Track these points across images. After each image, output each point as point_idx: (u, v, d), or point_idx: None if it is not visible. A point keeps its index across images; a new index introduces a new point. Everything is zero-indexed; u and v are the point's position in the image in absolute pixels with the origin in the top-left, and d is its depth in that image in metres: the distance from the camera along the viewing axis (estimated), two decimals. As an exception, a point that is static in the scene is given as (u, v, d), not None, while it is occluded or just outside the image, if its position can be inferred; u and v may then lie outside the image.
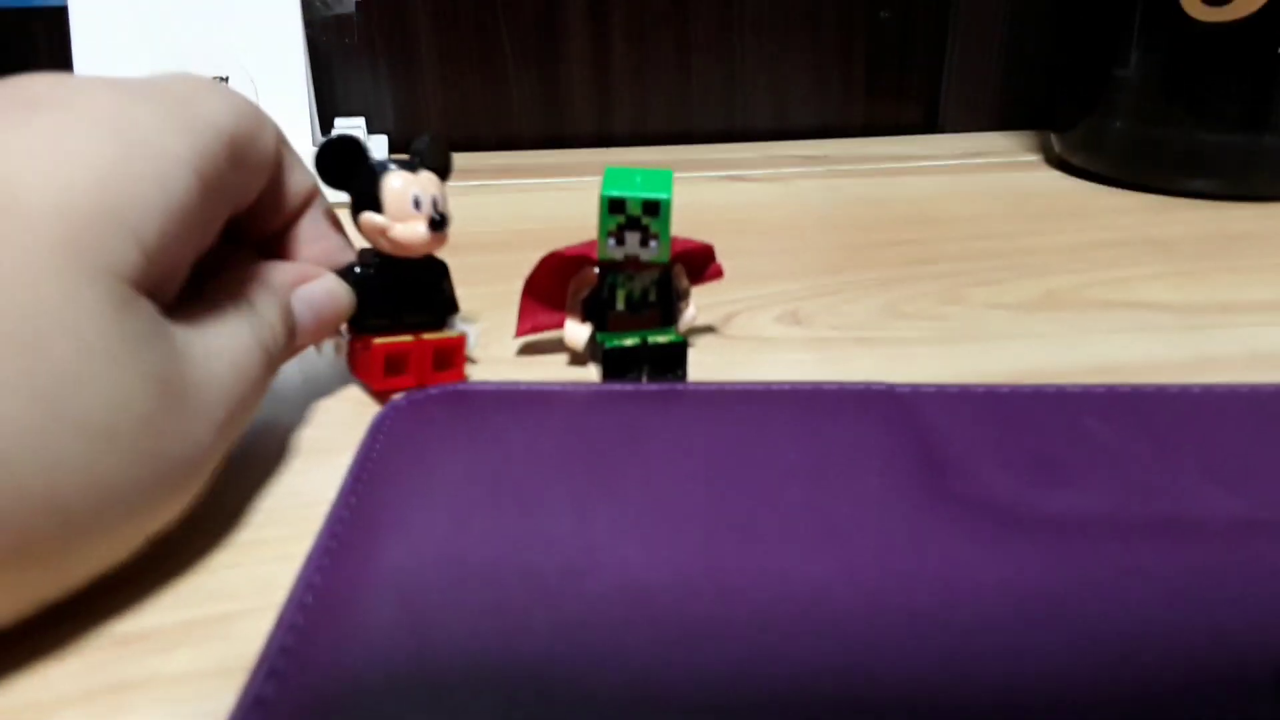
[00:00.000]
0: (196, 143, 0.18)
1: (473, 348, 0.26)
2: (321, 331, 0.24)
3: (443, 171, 0.25)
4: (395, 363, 0.25)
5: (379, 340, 0.24)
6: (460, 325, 0.26)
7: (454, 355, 0.25)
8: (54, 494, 0.14)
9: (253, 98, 0.45)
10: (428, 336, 0.25)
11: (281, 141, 0.23)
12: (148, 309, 0.17)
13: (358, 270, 0.25)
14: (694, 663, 0.15)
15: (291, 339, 0.22)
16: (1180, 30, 0.43)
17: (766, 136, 0.60)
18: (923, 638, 0.15)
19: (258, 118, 0.22)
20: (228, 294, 0.21)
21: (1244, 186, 0.44)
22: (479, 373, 0.27)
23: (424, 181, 0.24)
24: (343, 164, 0.24)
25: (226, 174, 0.19)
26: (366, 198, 0.24)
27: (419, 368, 0.25)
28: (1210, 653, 0.15)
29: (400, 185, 0.24)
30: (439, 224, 0.24)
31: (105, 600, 0.17)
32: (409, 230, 0.24)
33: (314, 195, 0.24)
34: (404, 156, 0.25)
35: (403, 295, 0.25)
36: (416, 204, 0.24)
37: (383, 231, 0.24)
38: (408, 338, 0.25)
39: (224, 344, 0.19)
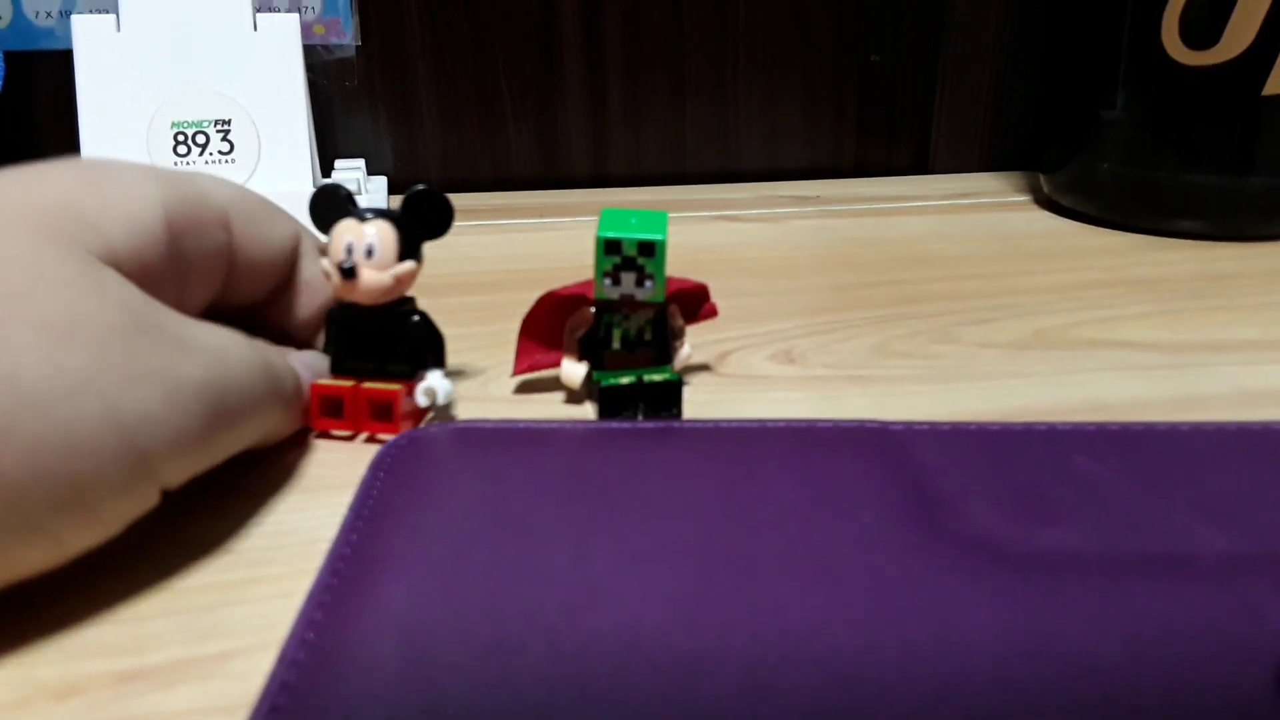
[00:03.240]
0: (169, 188, 0.21)
1: (442, 402, 0.25)
2: None
3: (433, 228, 0.25)
4: (330, 405, 0.25)
5: (318, 381, 0.25)
6: (433, 381, 0.25)
7: (388, 409, 0.25)
8: (14, 374, 0.16)
9: (254, 139, 0.46)
10: (368, 385, 0.25)
11: (305, 244, 0.26)
12: (112, 271, 0.19)
13: (331, 311, 0.25)
14: (690, 699, 0.15)
15: (298, 381, 0.24)
16: (1165, 73, 0.43)
17: (759, 177, 0.60)
18: (915, 674, 0.15)
19: (266, 213, 0.25)
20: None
21: (1230, 227, 0.45)
22: (478, 411, 0.27)
23: (363, 230, 0.24)
24: (329, 211, 0.25)
25: (211, 229, 0.23)
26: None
27: (354, 415, 0.25)
28: (1200, 688, 0.15)
29: (339, 232, 0.24)
30: (345, 272, 0.24)
31: (106, 636, 0.18)
32: (335, 276, 0.24)
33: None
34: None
35: (374, 342, 0.25)
36: (349, 251, 0.24)
37: (328, 275, 0.25)
38: (347, 383, 0.25)
39: (219, 332, 0.21)
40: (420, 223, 0.25)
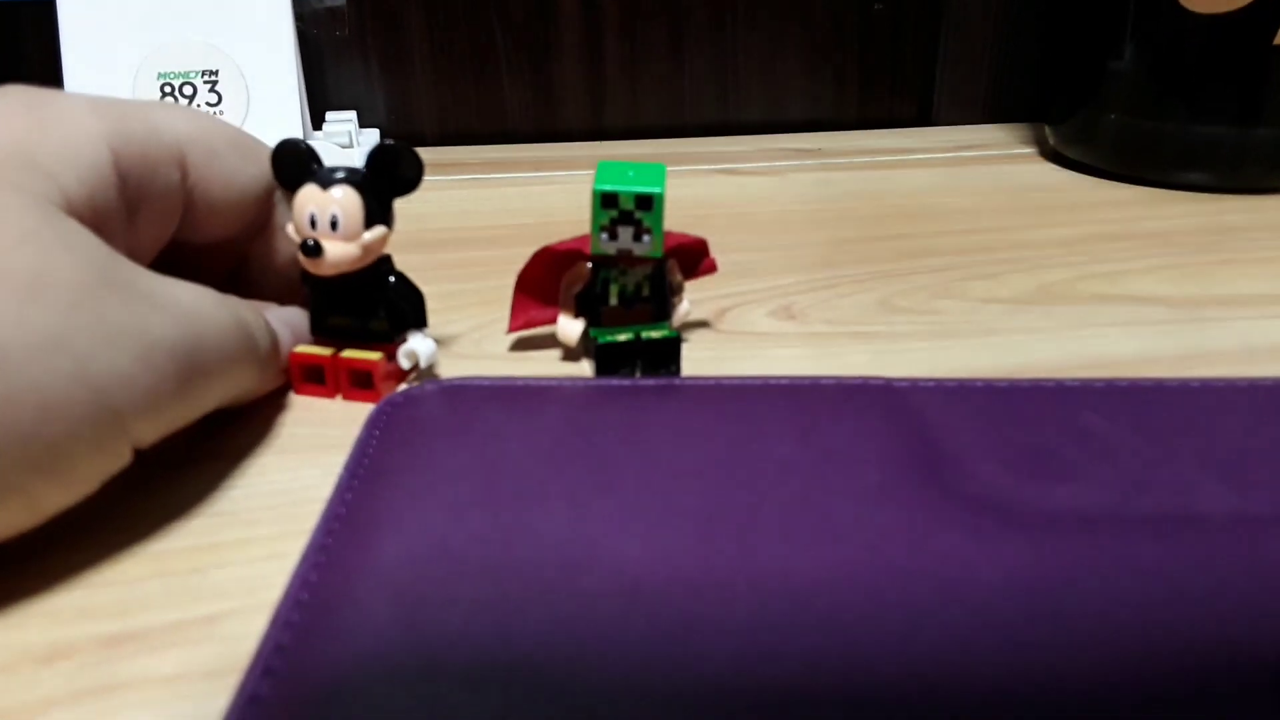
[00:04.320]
0: (115, 125, 0.21)
1: (425, 364, 0.25)
2: (301, 344, 0.25)
3: (401, 184, 0.24)
4: (310, 373, 0.25)
5: (299, 348, 0.25)
6: (415, 343, 0.25)
7: (368, 377, 0.24)
8: None
9: (242, 91, 0.45)
10: (346, 354, 0.25)
11: (281, 195, 0.25)
12: (75, 223, 0.19)
13: (304, 274, 0.24)
14: (690, 657, 0.15)
15: (274, 341, 0.24)
16: (1175, 22, 0.43)
17: (760, 129, 0.59)
18: (920, 632, 0.15)
19: (235, 150, 0.23)
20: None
21: (1238, 179, 0.44)
22: (473, 368, 0.27)
23: (327, 199, 0.23)
24: (292, 168, 0.23)
25: (161, 167, 0.22)
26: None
27: (334, 382, 0.25)
28: (1210, 647, 0.15)
29: (301, 200, 0.23)
30: (308, 250, 0.23)
31: (94, 600, 0.17)
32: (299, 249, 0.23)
33: None
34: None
35: (347, 303, 0.24)
36: (313, 222, 0.23)
37: (294, 243, 0.24)
38: (327, 351, 0.25)
39: (189, 289, 0.20)
40: (388, 180, 0.24)
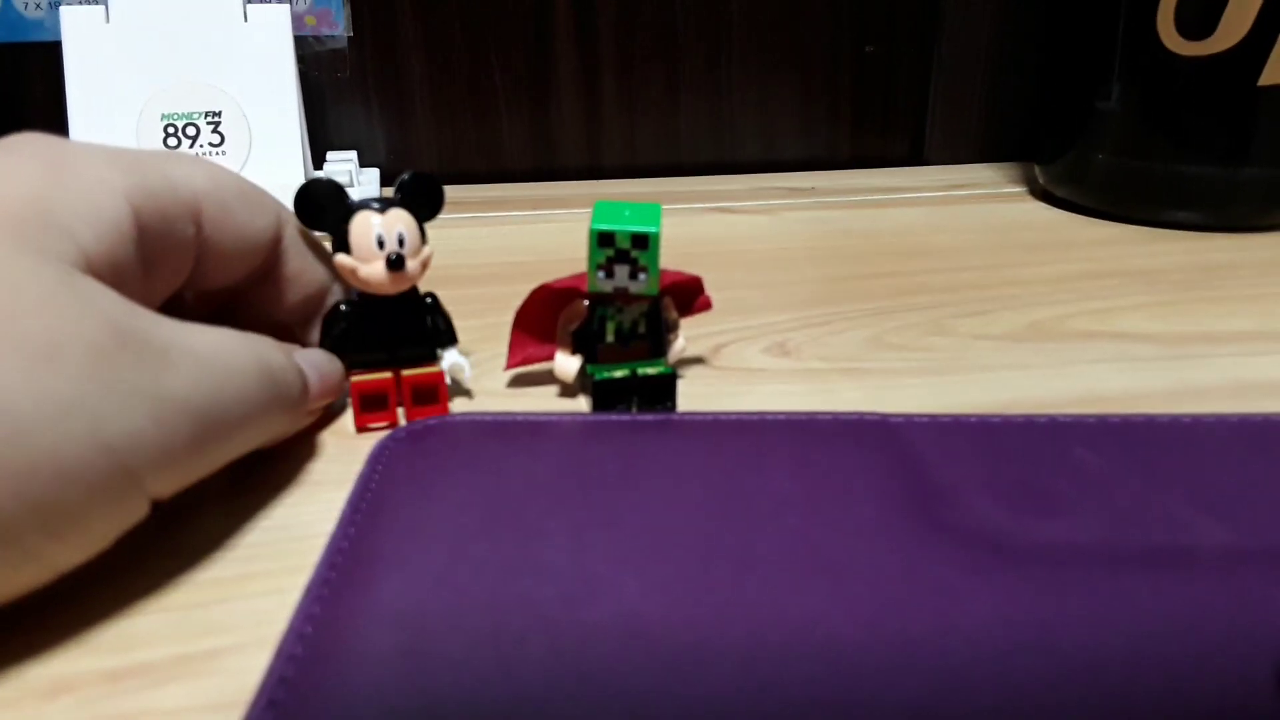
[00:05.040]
0: (135, 180, 0.20)
1: (468, 380, 0.26)
2: (327, 388, 0.24)
3: (427, 210, 0.25)
4: (372, 400, 0.25)
5: (356, 378, 0.25)
6: (455, 358, 0.26)
7: (434, 391, 0.25)
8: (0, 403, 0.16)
9: (245, 132, 0.46)
10: (407, 372, 0.25)
11: (289, 234, 0.25)
12: (93, 281, 0.18)
13: (342, 308, 0.25)
14: (690, 691, 0.15)
15: (304, 384, 0.23)
16: (1161, 63, 0.43)
17: (754, 169, 0.60)
18: (915, 667, 0.15)
19: (245, 202, 0.23)
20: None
21: (1225, 217, 0.45)
22: (472, 405, 0.27)
23: (390, 220, 0.24)
24: (320, 206, 0.24)
25: (178, 222, 0.22)
26: (340, 239, 0.24)
27: (397, 404, 0.25)
28: (1200, 681, 0.15)
29: (363, 226, 0.24)
30: (395, 264, 0.24)
31: (97, 635, 0.17)
32: (371, 270, 0.24)
33: (326, 293, 0.26)
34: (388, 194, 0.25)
35: (388, 331, 0.25)
36: (380, 244, 0.24)
37: (352, 272, 0.24)
38: (386, 374, 0.25)
39: (210, 337, 0.20)
40: (420, 206, 0.25)
